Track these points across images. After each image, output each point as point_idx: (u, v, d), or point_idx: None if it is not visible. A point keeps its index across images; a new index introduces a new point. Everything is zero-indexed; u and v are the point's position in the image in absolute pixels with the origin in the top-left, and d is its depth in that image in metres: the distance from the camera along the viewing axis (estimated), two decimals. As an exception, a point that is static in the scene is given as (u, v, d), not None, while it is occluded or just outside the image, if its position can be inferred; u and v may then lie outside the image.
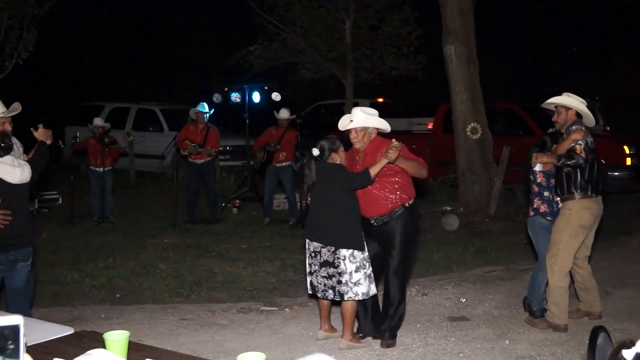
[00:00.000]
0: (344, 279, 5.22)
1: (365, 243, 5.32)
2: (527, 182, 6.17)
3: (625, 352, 1.64)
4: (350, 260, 5.22)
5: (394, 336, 5.48)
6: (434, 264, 8.17)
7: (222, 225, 10.55)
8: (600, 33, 24.43)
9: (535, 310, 5.99)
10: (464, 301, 6.74)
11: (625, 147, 12.27)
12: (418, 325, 5.99)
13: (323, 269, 5.31)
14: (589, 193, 5.65)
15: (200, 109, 10.66)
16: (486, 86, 12.02)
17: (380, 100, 18.52)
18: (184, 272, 7.80)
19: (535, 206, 5.96)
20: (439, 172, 12.59)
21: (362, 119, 5.42)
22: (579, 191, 5.63)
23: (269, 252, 8.74)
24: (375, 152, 5.34)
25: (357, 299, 5.29)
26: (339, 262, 5.23)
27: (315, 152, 5.37)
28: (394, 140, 5.22)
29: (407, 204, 5.42)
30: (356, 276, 5.22)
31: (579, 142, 5.53)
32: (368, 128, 5.42)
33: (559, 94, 5.93)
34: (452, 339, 5.68)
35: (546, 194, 5.89)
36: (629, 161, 12.13)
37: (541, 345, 5.48)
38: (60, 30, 21.80)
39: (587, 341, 2.57)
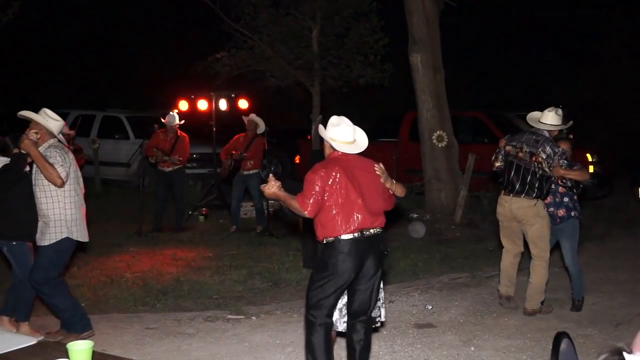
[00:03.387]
0: None
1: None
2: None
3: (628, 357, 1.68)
4: None
5: None
6: (400, 271, 8.20)
7: (189, 233, 10.47)
8: (564, 42, 24.82)
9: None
10: (430, 308, 6.79)
11: (588, 155, 12.47)
12: (385, 332, 6.01)
13: None
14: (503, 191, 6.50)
15: (174, 119, 10.55)
16: (453, 94, 12.12)
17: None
18: (150, 280, 7.72)
19: None
20: (405, 180, 12.64)
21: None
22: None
23: (235, 260, 8.69)
24: None
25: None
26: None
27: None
28: None
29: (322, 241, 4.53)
30: None
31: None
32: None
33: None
34: (419, 345, 5.71)
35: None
36: (591, 169, 12.32)
37: (506, 352, 5.55)
38: (23, 36, 21.49)
39: (550, 347, 2.61)
